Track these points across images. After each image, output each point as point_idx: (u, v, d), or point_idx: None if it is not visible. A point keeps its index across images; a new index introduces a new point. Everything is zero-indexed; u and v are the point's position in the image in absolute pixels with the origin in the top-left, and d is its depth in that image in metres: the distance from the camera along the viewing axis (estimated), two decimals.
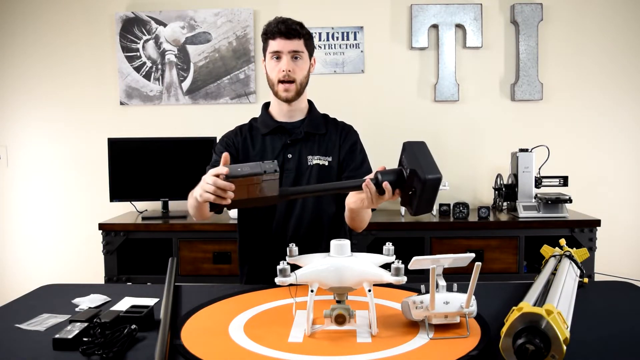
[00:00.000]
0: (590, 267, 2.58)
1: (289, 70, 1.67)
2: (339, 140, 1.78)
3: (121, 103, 3.13)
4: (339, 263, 1.13)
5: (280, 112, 1.78)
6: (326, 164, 1.74)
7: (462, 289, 1.12)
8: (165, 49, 3.11)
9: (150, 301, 1.37)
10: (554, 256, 1.54)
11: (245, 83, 3.10)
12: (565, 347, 0.93)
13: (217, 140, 1.88)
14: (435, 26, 3.04)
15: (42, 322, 1.25)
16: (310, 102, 1.84)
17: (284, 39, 1.67)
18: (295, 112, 1.77)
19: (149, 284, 2.51)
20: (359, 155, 1.79)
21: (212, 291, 1.47)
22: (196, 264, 2.69)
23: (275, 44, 1.68)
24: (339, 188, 1.45)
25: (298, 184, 1.73)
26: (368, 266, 1.14)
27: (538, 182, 2.77)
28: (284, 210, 1.73)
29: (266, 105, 1.84)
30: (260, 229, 1.76)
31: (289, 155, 1.74)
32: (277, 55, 1.69)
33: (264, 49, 1.74)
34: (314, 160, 1.74)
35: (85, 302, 1.40)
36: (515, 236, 2.67)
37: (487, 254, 2.67)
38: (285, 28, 1.67)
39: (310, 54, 1.75)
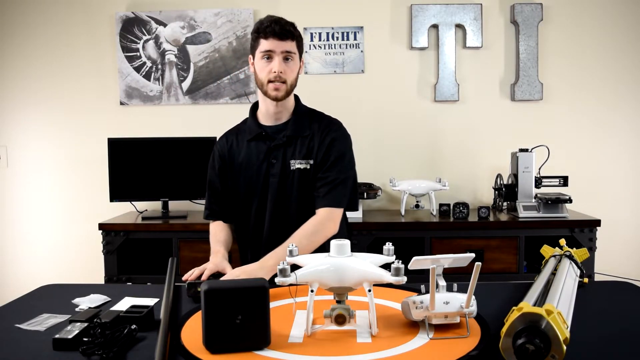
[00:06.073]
0: (590, 267, 2.58)
1: (281, 72, 1.65)
2: (319, 139, 1.74)
3: (121, 103, 3.13)
4: (339, 263, 1.13)
5: (266, 114, 1.77)
6: (308, 167, 1.72)
7: (462, 289, 1.12)
8: (165, 49, 3.11)
9: (150, 301, 1.37)
10: (554, 256, 1.54)
11: (245, 83, 3.10)
12: (565, 347, 0.93)
13: (213, 149, 1.89)
14: (435, 26, 3.04)
15: (42, 322, 1.25)
16: (296, 100, 1.81)
17: (277, 40, 1.65)
18: (281, 114, 1.76)
19: (149, 284, 2.50)
20: (335, 153, 1.72)
21: None
22: (196, 264, 2.64)
23: (267, 44, 1.65)
24: None
25: (283, 188, 1.74)
26: (368, 266, 1.14)
27: (538, 182, 2.77)
28: (270, 217, 1.75)
29: (254, 108, 1.83)
30: (253, 237, 1.79)
31: (273, 161, 1.74)
32: (269, 55, 1.66)
33: (253, 47, 1.71)
34: (296, 164, 1.73)
35: (85, 302, 1.40)
36: (515, 236, 2.67)
37: (487, 254, 2.67)
38: (280, 28, 1.64)
39: (300, 56, 1.73)
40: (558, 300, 1.12)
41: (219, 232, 1.80)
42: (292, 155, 1.73)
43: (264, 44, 1.66)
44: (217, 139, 1.88)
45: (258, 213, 1.76)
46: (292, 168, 1.73)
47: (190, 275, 1.54)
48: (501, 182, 2.87)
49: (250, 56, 1.74)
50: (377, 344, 1.08)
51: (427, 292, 1.11)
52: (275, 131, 1.76)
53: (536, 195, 2.75)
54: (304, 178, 1.72)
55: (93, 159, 3.13)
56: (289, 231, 1.67)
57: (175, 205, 3.01)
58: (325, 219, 1.67)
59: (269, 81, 1.67)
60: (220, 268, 1.59)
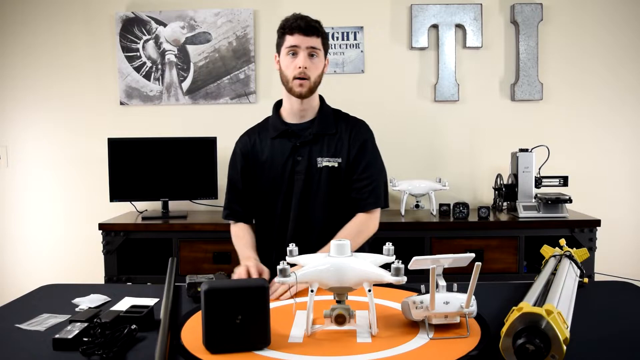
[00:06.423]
0: (590, 267, 2.57)
1: (305, 67, 1.66)
2: (348, 139, 1.76)
3: (121, 103, 3.13)
4: (339, 263, 1.13)
5: (291, 113, 1.77)
6: (336, 165, 1.73)
7: (462, 289, 1.12)
8: (165, 49, 3.10)
9: (150, 301, 1.37)
10: (554, 256, 1.54)
11: (245, 83, 3.10)
12: (565, 347, 0.93)
13: (233, 148, 1.87)
14: (435, 26, 3.04)
15: (42, 322, 1.25)
16: (321, 99, 1.82)
17: (302, 35, 1.65)
18: (306, 112, 1.76)
19: (149, 284, 2.51)
20: (368, 155, 1.77)
21: None
22: (196, 264, 2.69)
23: (292, 39, 1.66)
24: None
25: (309, 186, 1.73)
26: (368, 266, 1.14)
27: (538, 182, 2.77)
28: (296, 216, 1.74)
29: (277, 105, 1.83)
30: (278, 236, 1.77)
31: (299, 158, 1.73)
32: (294, 50, 1.67)
33: (279, 45, 1.72)
34: (324, 162, 1.73)
35: (85, 302, 1.40)
36: (515, 236, 2.66)
37: (487, 254, 2.67)
38: (305, 24, 1.66)
39: (325, 54, 1.74)
40: (558, 300, 1.12)
41: (245, 235, 1.77)
42: (319, 153, 1.73)
43: (290, 40, 1.67)
44: (235, 145, 1.86)
45: (283, 212, 1.75)
46: (319, 166, 1.72)
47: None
48: (501, 182, 2.87)
49: (276, 54, 1.75)
50: (377, 344, 1.08)
51: (427, 292, 1.11)
52: (301, 129, 1.76)
53: (536, 195, 2.75)
54: (332, 176, 1.73)
55: (93, 159, 3.12)
56: (315, 230, 1.69)
57: (175, 205, 3.01)
58: (367, 219, 1.73)
59: (294, 78, 1.67)
60: (260, 269, 1.55)
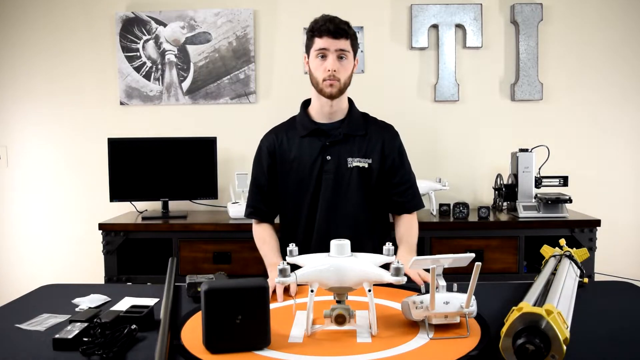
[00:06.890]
0: (590, 267, 2.57)
1: (334, 70, 1.66)
2: (380, 142, 1.78)
3: (121, 103, 3.13)
4: (339, 263, 1.13)
5: (320, 112, 1.77)
6: (366, 166, 1.74)
7: (462, 289, 1.12)
8: (165, 49, 3.10)
9: (150, 301, 1.37)
10: (554, 256, 1.54)
11: (245, 83, 3.10)
12: (565, 347, 0.93)
13: (258, 145, 1.86)
14: (435, 26, 3.04)
15: (42, 322, 1.25)
16: (350, 102, 1.83)
17: (331, 38, 1.66)
18: (335, 113, 1.76)
19: (149, 284, 2.50)
20: (405, 160, 1.83)
21: None
22: (196, 264, 2.69)
23: (321, 42, 1.67)
24: None
25: (338, 185, 1.73)
26: (368, 266, 1.14)
27: (538, 182, 2.77)
28: (324, 215, 1.74)
29: (305, 104, 1.83)
30: (304, 237, 1.76)
31: (328, 157, 1.73)
32: (323, 53, 1.67)
33: (308, 47, 1.72)
34: (354, 162, 1.73)
35: (85, 302, 1.40)
36: (515, 236, 2.66)
37: (487, 254, 2.67)
38: (334, 27, 1.67)
39: (355, 54, 1.75)
40: (558, 300, 1.13)
41: (270, 239, 1.76)
42: (349, 153, 1.74)
43: (319, 43, 1.68)
44: (260, 142, 1.85)
45: (310, 212, 1.75)
46: (349, 166, 1.73)
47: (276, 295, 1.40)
48: (501, 182, 2.87)
49: (305, 55, 1.76)
50: (377, 344, 1.08)
51: (427, 292, 1.11)
52: (330, 128, 1.76)
53: (536, 195, 2.74)
54: (363, 176, 1.73)
55: (93, 159, 3.13)
56: (343, 230, 1.68)
57: (175, 205, 3.01)
58: (413, 219, 1.81)
59: (324, 79, 1.68)
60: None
